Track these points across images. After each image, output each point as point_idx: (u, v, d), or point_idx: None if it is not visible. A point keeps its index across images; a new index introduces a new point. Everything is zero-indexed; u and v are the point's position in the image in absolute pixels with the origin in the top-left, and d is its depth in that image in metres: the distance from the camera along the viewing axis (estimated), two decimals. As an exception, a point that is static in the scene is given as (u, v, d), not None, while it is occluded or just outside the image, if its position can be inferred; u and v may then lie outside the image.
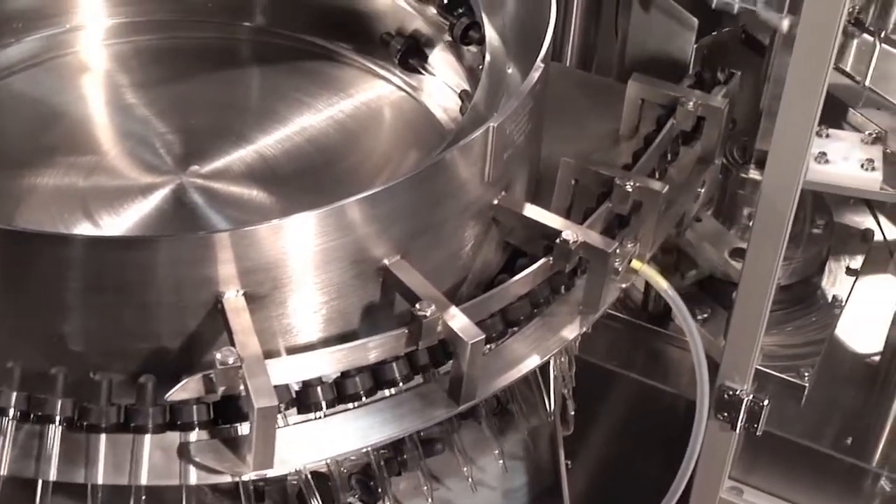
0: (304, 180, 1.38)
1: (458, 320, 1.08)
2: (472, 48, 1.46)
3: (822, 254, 1.75)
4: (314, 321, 1.11)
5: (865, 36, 1.47)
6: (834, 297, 1.74)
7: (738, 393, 1.46)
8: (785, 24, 1.39)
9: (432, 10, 1.50)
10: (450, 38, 1.48)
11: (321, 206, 1.06)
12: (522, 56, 1.34)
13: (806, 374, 1.62)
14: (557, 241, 1.17)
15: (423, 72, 1.52)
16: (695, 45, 1.57)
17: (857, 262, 1.79)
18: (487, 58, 1.34)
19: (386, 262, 1.11)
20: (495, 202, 1.20)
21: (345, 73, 1.55)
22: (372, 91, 1.53)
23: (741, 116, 1.60)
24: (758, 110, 1.56)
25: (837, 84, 1.48)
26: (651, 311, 1.73)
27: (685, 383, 1.62)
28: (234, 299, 1.05)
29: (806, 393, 1.62)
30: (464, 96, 1.47)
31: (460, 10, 1.46)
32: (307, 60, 1.56)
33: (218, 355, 1.01)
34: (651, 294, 1.71)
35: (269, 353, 1.06)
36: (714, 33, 1.57)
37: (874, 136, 1.53)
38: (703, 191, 1.45)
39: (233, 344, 1.03)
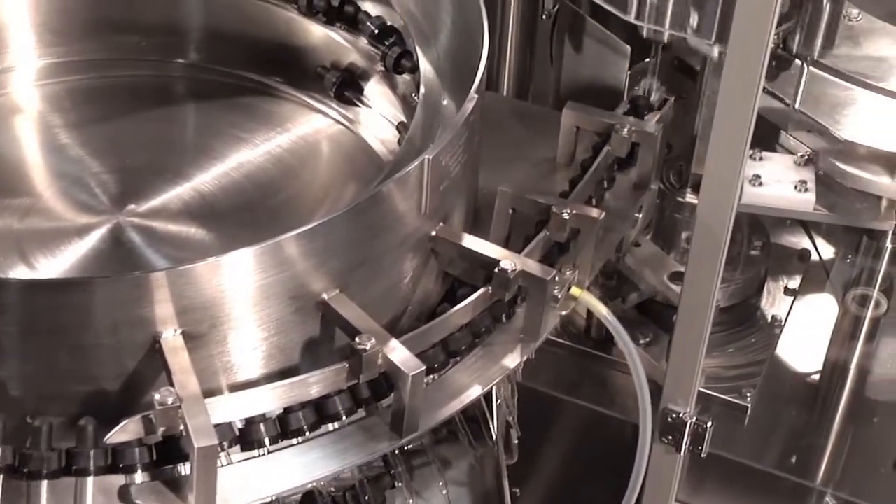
0: (242, 216, 1.38)
1: (398, 353, 1.08)
2: (406, 77, 1.46)
3: (761, 275, 1.76)
4: (254, 358, 1.11)
5: (796, 61, 1.49)
6: (773, 317, 1.76)
7: (681, 415, 1.46)
8: (715, 51, 1.41)
9: (364, 42, 1.50)
10: (383, 68, 1.48)
11: (260, 241, 1.05)
12: (457, 87, 1.34)
13: (748, 394, 1.64)
14: (496, 270, 1.17)
15: (360, 104, 1.52)
16: (628, 72, 1.59)
17: (795, 282, 1.80)
18: (422, 89, 1.35)
19: (325, 296, 1.11)
20: (433, 233, 1.20)
21: (281, 107, 1.54)
22: (309, 125, 1.52)
23: (676, 141, 1.61)
24: (692, 135, 1.58)
25: (769, 107, 1.49)
26: (594, 337, 1.74)
27: (630, 408, 1.62)
28: (171, 339, 1.05)
29: (749, 413, 1.63)
30: (401, 128, 1.47)
31: (391, 40, 1.46)
32: (243, 96, 1.55)
33: (157, 396, 1.00)
34: (594, 320, 1.72)
35: (211, 392, 1.05)
36: (647, 60, 1.58)
37: (806, 157, 1.55)
38: (640, 216, 1.46)
39: (172, 384, 1.02)
